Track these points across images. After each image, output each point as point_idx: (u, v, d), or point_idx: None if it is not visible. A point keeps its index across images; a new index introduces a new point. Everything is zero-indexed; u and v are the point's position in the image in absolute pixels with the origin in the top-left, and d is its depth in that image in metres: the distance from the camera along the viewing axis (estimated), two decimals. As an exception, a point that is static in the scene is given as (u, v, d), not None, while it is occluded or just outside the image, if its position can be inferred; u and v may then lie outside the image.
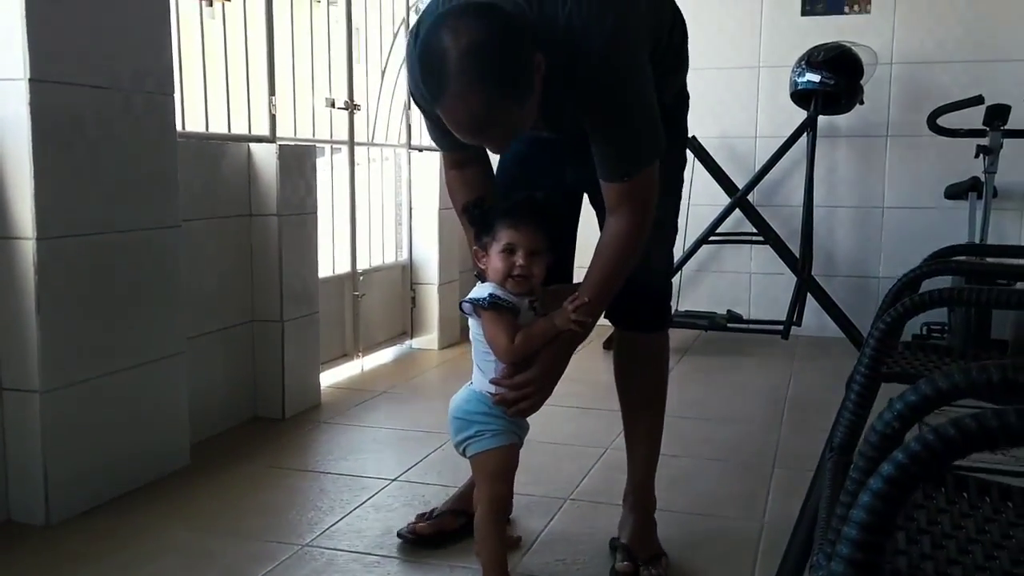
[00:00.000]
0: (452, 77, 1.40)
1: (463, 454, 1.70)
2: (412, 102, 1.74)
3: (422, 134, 3.92)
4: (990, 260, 2.82)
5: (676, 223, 1.98)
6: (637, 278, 1.71)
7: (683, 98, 1.94)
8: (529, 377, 1.62)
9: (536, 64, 1.47)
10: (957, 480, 1.09)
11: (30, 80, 1.95)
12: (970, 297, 1.44)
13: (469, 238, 1.77)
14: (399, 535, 1.98)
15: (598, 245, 1.67)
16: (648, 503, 1.98)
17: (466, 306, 1.64)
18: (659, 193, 1.69)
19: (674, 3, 1.82)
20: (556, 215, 1.70)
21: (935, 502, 1.03)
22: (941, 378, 0.77)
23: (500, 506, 1.67)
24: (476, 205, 1.69)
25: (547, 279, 1.68)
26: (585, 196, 1.90)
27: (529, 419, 1.71)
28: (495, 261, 1.62)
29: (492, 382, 1.64)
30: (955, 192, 3.96)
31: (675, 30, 1.80)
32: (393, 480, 2.38)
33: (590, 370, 1.92)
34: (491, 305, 1.59)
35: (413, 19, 4.07)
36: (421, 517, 2.02)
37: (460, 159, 1.83)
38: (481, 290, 1.62)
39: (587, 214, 1.89)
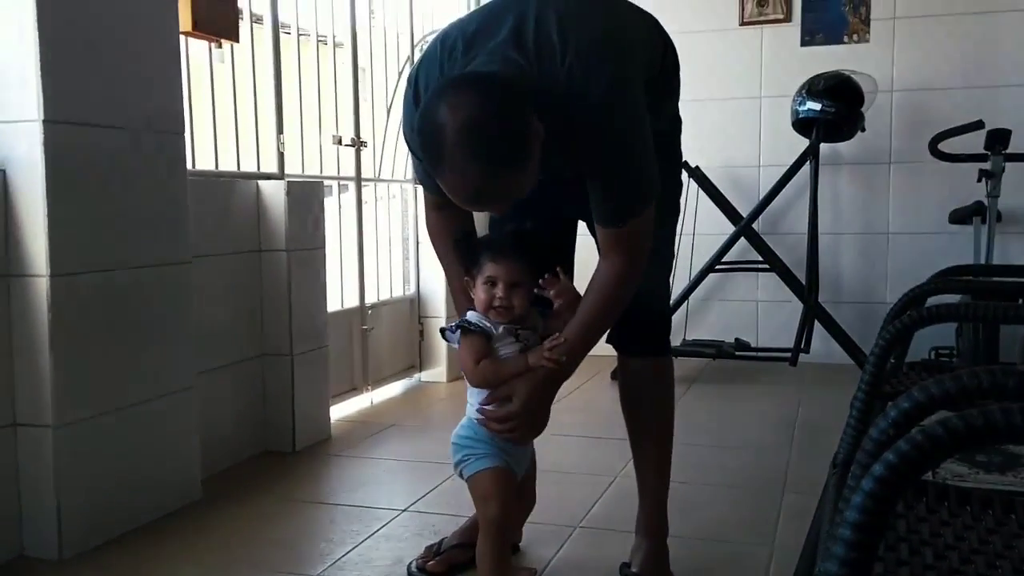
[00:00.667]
0: (449, 153, 1.42)
1: (461, 477, 1.77)
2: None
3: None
4: (996, 279, 2.83)
5: (673, 248, 2.00)
6: (637, 303, 1.73)
7: (676, 122, 1.96)
8: (511, 411, 1.68)
9: (535, 132, 1.48)
10: (938, 490, 1.10)
11: (44, 121, 2.00)
12: (976, 312, 1.46)
13: (449, 276, 1.86)
14: (409, 574, 1.98)
15: (589, 286, 1.69)
16: (660, 530, 1.97)
17: (448, 334, 1.75)
18: (662, 221, 1.72)
19: (663, 32, 1.84)
20: (541, 246, 1.76)
21: (915, 511, 1.04)
22: (934, 385, 0.79)
23: (493, 528, 1.70)
24: (465, 239, 1.78)
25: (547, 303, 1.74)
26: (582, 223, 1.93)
27: (538, 449, 1.74)
28: (479, 292, 1.71)
29: (478, 409, 1.72)
30: (959, 217, 3.98)
31: (667, 58, 1.82)
32: (403, 510, 2.38)
33: (598, 399, 1.94)
34: (459, 328, 1.71)
35: (417, 56, 4.15)
36: (429, 550, 2.02)
37: (442, 202, 1.78)
38: (469, 315, 1.72)
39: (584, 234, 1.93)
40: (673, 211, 1.95)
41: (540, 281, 1.71)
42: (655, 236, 1.70)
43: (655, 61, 1.77)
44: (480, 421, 1.71)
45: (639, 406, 1.97)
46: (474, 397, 1.74)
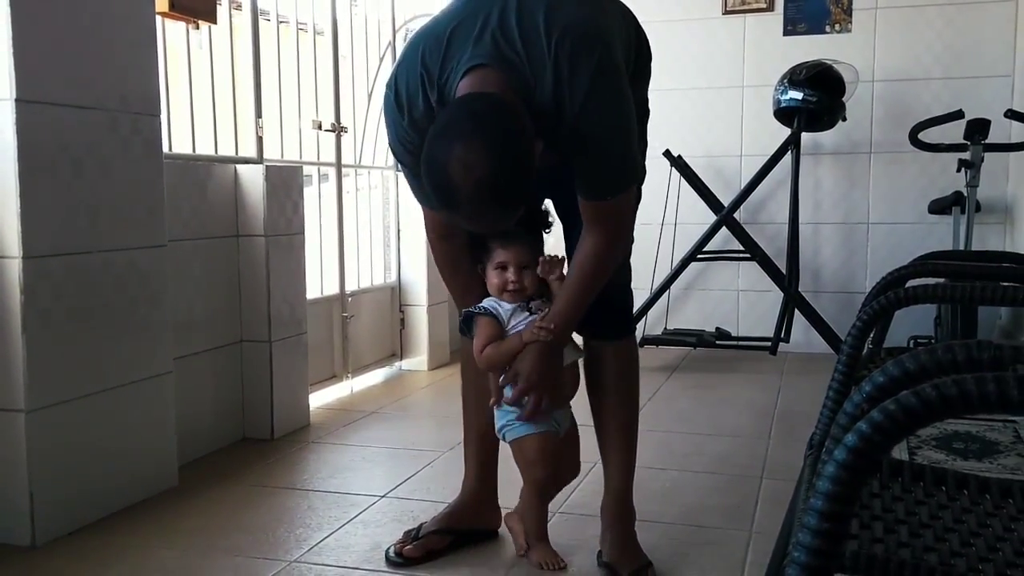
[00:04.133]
0: (463, 205, 1.49)
1: (503, 440, 1.89)
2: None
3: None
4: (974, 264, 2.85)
5: (632, 233, 1.97)
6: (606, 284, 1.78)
7: (644, 110, 1.94)
8: (521, 388, 1.76)
9: (536, 154, 1.53)
10: (914, 471, 1.10)
11: (16, 100, 1.96)
12: (953, 293, 1.46)
13: (458, 303, 1.90)
14: (387, 559, 1.96)
15: (574, 260, 1.77)
16: (626, 515, 1.96)
17: (464, 328, 1.86)
18: None
19: (635, 20, 1.85)
20: (542, 227, 1.89)
21: (890, 491, 1.04)
22: (909, 359, 0.79)
23: (539, 488, 1.89)
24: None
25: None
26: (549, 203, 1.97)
27: None
28: (491, 277, 1.82)
29: (504, 402, 1.82)
30: (939, 207, 4.00)
31: (640, 49, 1.83)
32: (382, 497, 2.37)
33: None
34: (466, 315, 1.84)
35: (399, 43, 4.12)
36: (407, 535, 2.01)
37: (446, 232, 1.85)
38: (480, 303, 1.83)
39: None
40: (636, 198, 1.93)
41: (538, 266, 1.80)
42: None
43: (629, 50, 1.78)
44: (506, 402, 1.80)
45: (604, 390, 1.96)
46: None
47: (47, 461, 2.06)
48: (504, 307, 1.81)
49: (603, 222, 1.70)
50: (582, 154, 1.65)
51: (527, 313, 1.80)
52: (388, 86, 1.72)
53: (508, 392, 1.78)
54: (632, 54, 1.78)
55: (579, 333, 1.93)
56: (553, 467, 1.87)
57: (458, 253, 1.87)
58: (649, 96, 1.92)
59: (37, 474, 2.04)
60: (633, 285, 2.00)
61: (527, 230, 1.81)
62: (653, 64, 1.90)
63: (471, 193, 1.46)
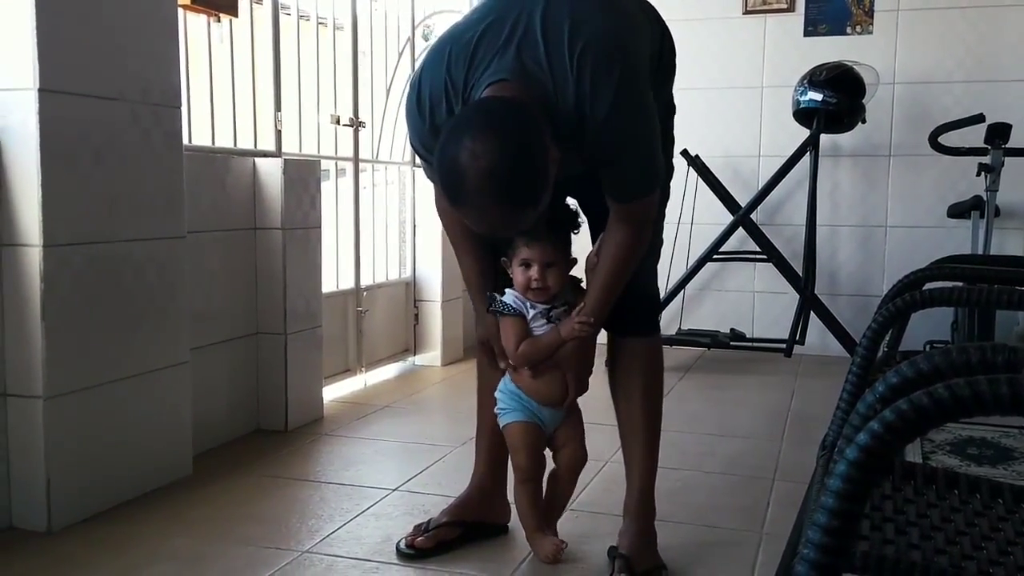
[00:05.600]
0: (471, 197, 1.49)
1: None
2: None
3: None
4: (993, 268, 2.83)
5: (662, 232, 2.01)
6: (627, 285, 1.80)
7: (670, 108, 1.97)
8: (573, 383, 1.87)
9: (552, 161, 1.53)
10: (926, 473, 1.09)
11: (39, 90, 1.98)
12: (971, 297, 1.45)
13: (462, 262, 1.92)
14: (398, 551, 1.97)
15: (602, 252, 1.78)
16: (649, 513, 1.97)
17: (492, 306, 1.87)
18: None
19: (661, 19, 1.86)
20: (571, 225, 1.86)
21: (902, 493, 1.04)
22: (923, 360, 0.79)
23: (522, 475, 1.92)
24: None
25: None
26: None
27: None
28: (516, 275, 1.82)
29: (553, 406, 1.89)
30: (958, 211, 3.97)
31: (664, 45, 1.84)
32: (393, 490, 2.38)
33: (592, 386, 1.94)
34: (492, 312, 1.85)
35: (418, 39, 4.13)
36: (418, 528, 2.02)
37: None
38: (506, 296, 1.84)
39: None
40: (664, 197, 1.95)
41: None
42: None
43: (655, 50, 1.79)
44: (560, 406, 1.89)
45: (629, 387, 1.96)
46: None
47: (64, 448, 2.09)
48: (528, 306, 1.83)
49: (629, 220, 1.74)
50: (607, 165, 1.68)
51: (544, 321, 1.82)
52: (412, 86, 1.73)
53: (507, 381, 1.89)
54: (656, 54, 1.78)
55: (606, 329, 1.94)
56: (533, 459, 1.91)
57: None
58: (659, 130, 1.94)
59: (54, 461, 2.06)
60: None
61: (554, 229, 1.80)
62: None
63: (477, 184, 1.46)
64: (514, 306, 1.82)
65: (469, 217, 1.58)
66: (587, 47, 1.56)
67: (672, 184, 2.00)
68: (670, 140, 1.99)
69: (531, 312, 1.82)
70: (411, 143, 1.82)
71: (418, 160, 4.08)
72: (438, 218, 1.93)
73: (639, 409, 1.96)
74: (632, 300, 1.86)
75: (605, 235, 1.78)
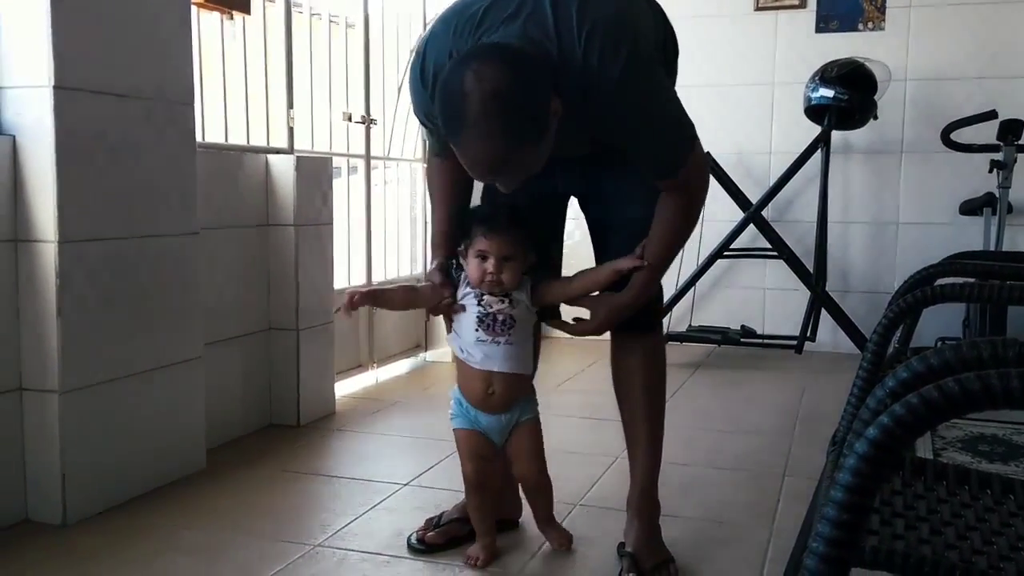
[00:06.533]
0: (473, 121, 1.45)
1: None
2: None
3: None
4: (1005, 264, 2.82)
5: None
6: (627, 281, 1.78)
7: None
8: (587, 328, 1.83)
9: (553, 109, 1.52)
10: (936, 469, 1.10)
11: (54, 88, 2.00)
12: (982, 293, 1.45)
13: (435, 218, 1.90)
14: (409, 545, 1.99)
15: (656, 216, 1.74)
16: (652, 509, 1.97)
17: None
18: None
19: (666, 18, 1.84)
20: (536, 220, 1.80)
21: (913, 489, 1.04)
22: (933, 355, 0.79)
23: (466, 482, 1.91)
24: (458, 211, 1.84)
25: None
26: (575, 200, 1.97)
27: (546, 428, 1.81)
28: (471, 267, 1.76)
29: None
30: (970, 208, 3.96)
31: (668, 44, 1.83)
32: (405, 484, 2.39)
33: (600, 382, 1.94)
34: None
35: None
36: (430, 523, 2.03)
37: (446, 151, 1.77)
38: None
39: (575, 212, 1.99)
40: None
41: (521, 261, 1.77)
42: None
43: (660, 46, 1.78)
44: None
45: (630, 385, 1.96)
46: (455, 342, 1.86)
47: (79, 442, 2.11)
48: (465, 284, 1.80)
49: (678, 189, 1.70)
50: (632, 140, 1.65)
51: (475, 302, 1.79)
52: (416, 55, 1.71)
53: (459, 347, 1.85)
54: (661, 51, 1.78)
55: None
56: (475, 467, 1.88)
57: (452, 169, 1.77)
58: (677, 93, 1.91)
59: (69, 454, 2.08)
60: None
61: (516, 223, 1.75)
62: (683, 59, 1.90)
63: (480, 107, 1.43)
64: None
65: (465, 151, 1.51)
66: (596, 26, 1.55)
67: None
68: None
69: (468, 290, 1.79)
70: (414, 113, 1.81)
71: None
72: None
73: (640, 407, 1.95)
74: None
75: (659, 203, 1.73)
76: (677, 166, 1.66)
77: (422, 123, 1.82)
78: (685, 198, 1.72)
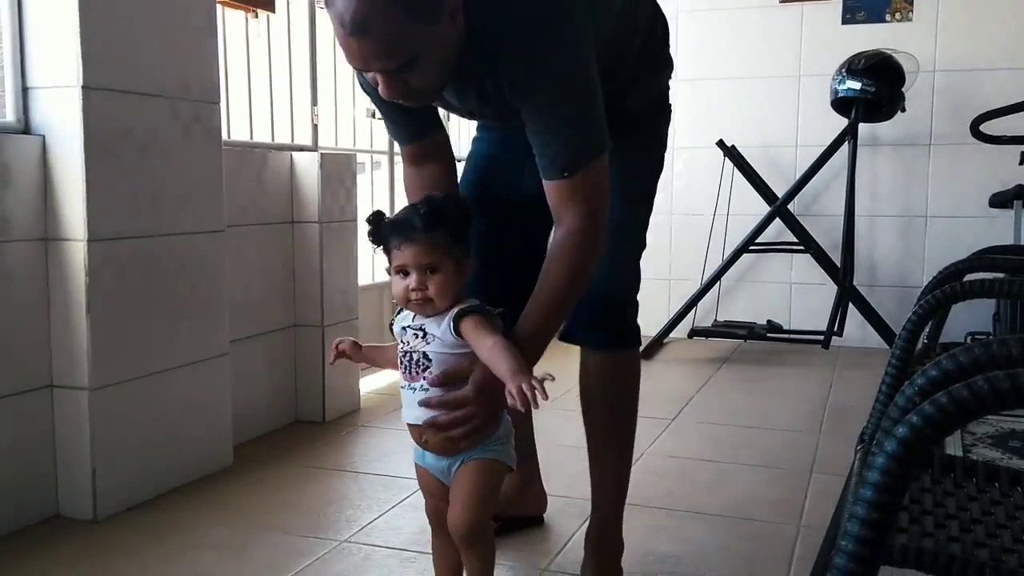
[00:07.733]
0: None
1: None
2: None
3: (460, 146, 3.97)
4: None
5: (644, 234, 1.77)
6: (597, 288, 1.52)
7: (662, 107, 1.76)
8: (463, 396, 1.37)
9: (450, 10, 1.32)
10: (966, 466, 1.08)
11: (83, 87, 2.02)
12: (1013, 288, 1.43)
13: None
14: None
15: (545, 261, 1.45)
16: (613, 545, 1.78)
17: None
18: (633, 199, 1.63)
19: (657, 5, 1.70)
20: (461, 213, 1.43)
21: (942, 486, 1.03)
22: (963, 353, 0.78)
23: (427, 517, 1.59)
24: (376, 219, 1.47)
25: (512, 292, 1.50)
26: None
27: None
28: (395, 286, 1.41)
29: (422, 404, 1.41)
30: (1000, 200, 3.90)
31: (653, 32, 1.68)
32: (430, 481, 2.40)
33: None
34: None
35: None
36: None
37: (416, 153, 1.66)
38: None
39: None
40: (647, 195, 1.75)
41: (451, 267, 1.39)
42: (623, 212, 1.57)
43: (639, 24, 1.63)
44: (426, 423, 1.40)
45: (596, 407, 1.75)
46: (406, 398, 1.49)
47: (109, 438, 2.13)
48: (403, 322, 1.44)
49: (574, 203, 1.40)
50: (530, 112, 1.41)
51: (420, 338, 1.41)
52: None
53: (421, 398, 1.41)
54: (638, 36, 1.63)
55: (568, 340, 1.73)
56: (429, 506, 1.57)
57: (427, 182, 1.65)
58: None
59: (99, 451, 2.11)
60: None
61: (433, 223, 1.38)
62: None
63: None
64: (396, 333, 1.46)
65: (346, 25, 1.26)
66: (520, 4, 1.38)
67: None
68: (657, 140, 1.77)
69: (406, 323, 1.43)
70: (360, 87, 1.66)
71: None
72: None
73: (604, 428, 1.76)
74: (600, 306, 1.65)
75: (550, 243, 1.46)
76: (577, 160, 1.40)
77: (367, 93, 1.63)
78: (575, 224, 1.40)
